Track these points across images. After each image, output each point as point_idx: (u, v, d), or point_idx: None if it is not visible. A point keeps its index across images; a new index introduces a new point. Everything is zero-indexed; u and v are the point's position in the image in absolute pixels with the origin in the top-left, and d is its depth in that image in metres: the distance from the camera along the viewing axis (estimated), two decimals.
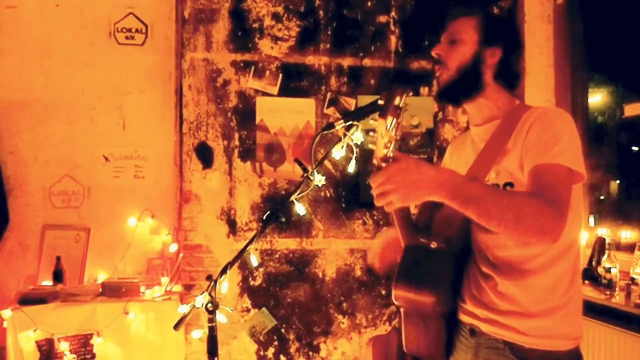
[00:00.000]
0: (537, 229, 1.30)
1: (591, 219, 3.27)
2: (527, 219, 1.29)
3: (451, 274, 1.56)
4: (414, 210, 1.71)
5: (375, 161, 1.46)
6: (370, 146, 1.46)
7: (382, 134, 1.41)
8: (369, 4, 3.47)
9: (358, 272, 3.45)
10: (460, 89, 1.62)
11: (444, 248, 1.54)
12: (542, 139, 1.43)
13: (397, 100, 1.41)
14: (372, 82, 3.47)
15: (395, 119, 1.41)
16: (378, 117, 1.41)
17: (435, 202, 1.39)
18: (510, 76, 1.63)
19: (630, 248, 2.81)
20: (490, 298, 1.52)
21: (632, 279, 2.56)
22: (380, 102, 1.45)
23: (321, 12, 3.43)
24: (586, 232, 3.07)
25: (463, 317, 1.60)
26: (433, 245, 1.53)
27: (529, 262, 1.48)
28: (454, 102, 1.71)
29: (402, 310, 1.61)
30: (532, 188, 1.39)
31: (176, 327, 1.52)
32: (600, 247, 2.84)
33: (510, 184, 1.50)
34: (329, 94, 3.43)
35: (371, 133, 1.45)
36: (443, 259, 1.55)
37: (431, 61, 1.69)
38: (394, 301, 1.59)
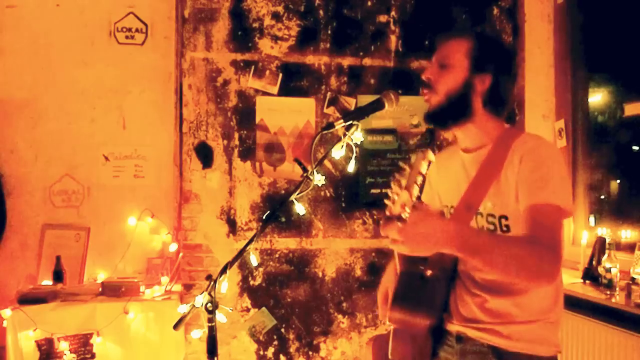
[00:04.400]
0: (537, 276, 1.41)
1: (591, 218, 3.26)
2: (528, 268, 1.38)
3: (444, 298, 1.65)
4: None
5: (388, 213, 1.51)
6: (386, 201, 1.51)
7: (405, 200, 1.46)
8: (369, 3, 3.46)
9: (358, 272, 3.45)
10: (449, 115, 1.64)
11: (438, 275, 1.63)
12: (535, 178, 1.48)
13: (421, 167, 1.49)
14: (372, 81, 3.47)
15: (418, 187, 1.48)
16: (402, 188, 1.48)
17: None
18: (500, 103, 1.64)
19: (630, 248, 2.80)
20: (476, 314, 1.59)
21: (633, 279, 2.55)
22: (403, 165, 1.52)
23: (321, 12, 3.43)
24: (586, 232, 3.06)
25: (450, 327, 1.66)
26: (429, 273, 1.62)
27: (518, 284, 1.53)
28: (442, 126, 1.72)
29: (393, 327, 1.70)
30: (529, 229, 1.45)
31: (176, 326, 1.52)
32: (600, 246, 2.83)
33: (505, 217, 1.56)
34: (329, 94, 3.43)
35: (390, 191, 1.51)
36: (437, 285, 1.64)
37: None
38: (389, 322, 1.69)
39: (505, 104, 1.67)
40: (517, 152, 1.53)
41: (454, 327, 1.64)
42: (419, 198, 1.49)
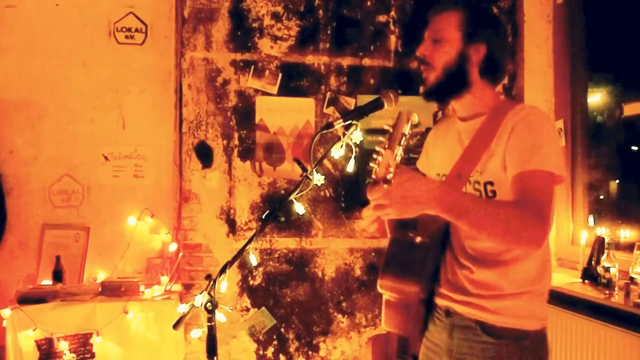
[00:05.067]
0: (523, 240, 1.41)
1: (590, 218, 3.27)
2: (515, 231, 1.39)
3: (433, 266, 1.67)
4: None
5: (374, 176, 1.50)
6: (372, 164, 1.50)
7: (389, 162, 1.45)
8: (369, 3, 3.47)
9: (358, 272, 3.45)
10: (447, 89, 1.64)
11: (428, 242, 1.64)
12: (525, 145, 1.48)
13: (404, 129, 1.47)
14: (372, 81, 3.47)
15: (402, 148, 1.46)
16: (386, 148, 1.47)
17: None
18: (496, 71, 1.65)
19: (629, 247, 2.80)
20: (464, 285, 1.61)
21: (631, 279, 2.55)
22: (387, 126, 1.50)
23: (321, 12, 3.43)
24: (585, 231, 3.07)
25: (439, 301, 1.70)
26: (418, 240, 1.63)
27: (505, 254, 1.56)
28: (440, 101, 1.74)
29: (385, 296, 1.71)
30: (518, 195, 1.46)
31: (175, 326, 1.53)
32: (599, 246, 2.83)
33: (491, 183, 1.57)
34: (328, 94, 3.43)
35: (374, 155, 1.49)
36: (427, 252, 1.65)
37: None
38: (379, 289, 1.70)
39: (501, 71, 1.68)
40: (510, 121, 1.55)
41: (442, 301, 1.68)
42: (403, 159, 1.48)
